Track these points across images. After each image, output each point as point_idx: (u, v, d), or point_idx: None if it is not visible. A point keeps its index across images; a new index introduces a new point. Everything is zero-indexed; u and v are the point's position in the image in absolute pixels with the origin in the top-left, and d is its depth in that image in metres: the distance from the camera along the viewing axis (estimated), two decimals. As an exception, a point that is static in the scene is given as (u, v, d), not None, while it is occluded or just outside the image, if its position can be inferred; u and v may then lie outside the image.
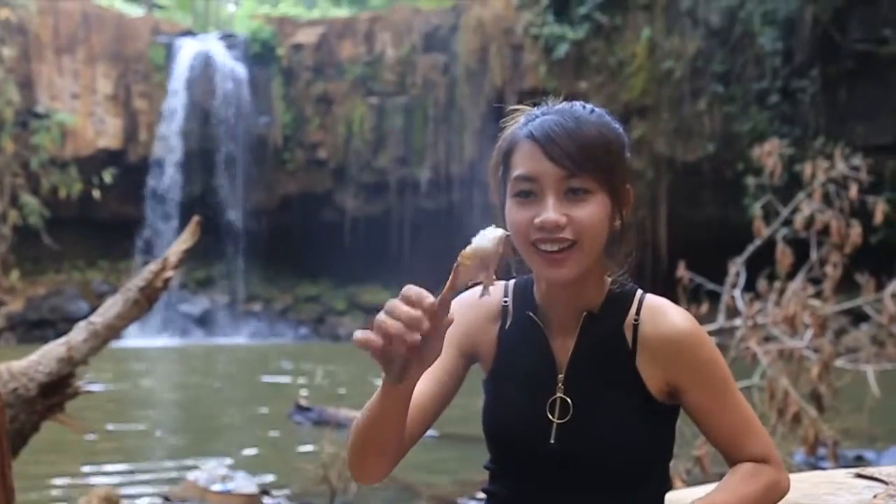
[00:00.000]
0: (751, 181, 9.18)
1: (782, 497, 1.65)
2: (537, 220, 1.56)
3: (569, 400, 1.63)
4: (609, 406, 1.61)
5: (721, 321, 6.51)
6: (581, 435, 1.61)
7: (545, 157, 1.57)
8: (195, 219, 4.15)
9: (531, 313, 1.67)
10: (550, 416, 1.63)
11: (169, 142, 23.27)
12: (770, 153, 7.17)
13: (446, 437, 7.44)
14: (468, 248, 1.40)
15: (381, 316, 1.34)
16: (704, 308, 6.47)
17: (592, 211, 1.57)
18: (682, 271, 6.56)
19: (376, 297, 23.69)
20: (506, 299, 1.73)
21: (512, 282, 1.74)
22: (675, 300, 6.73)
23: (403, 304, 1.33)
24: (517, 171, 1.60)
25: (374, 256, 23.38)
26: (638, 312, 1.64)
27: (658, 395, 1.62)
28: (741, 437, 1.64)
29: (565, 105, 1.65)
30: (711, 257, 9.41)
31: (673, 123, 20.52)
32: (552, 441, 1.62)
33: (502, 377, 1.69)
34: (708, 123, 20.15)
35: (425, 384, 1.66)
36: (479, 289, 1.73)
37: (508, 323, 1.70)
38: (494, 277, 1.42)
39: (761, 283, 6.54)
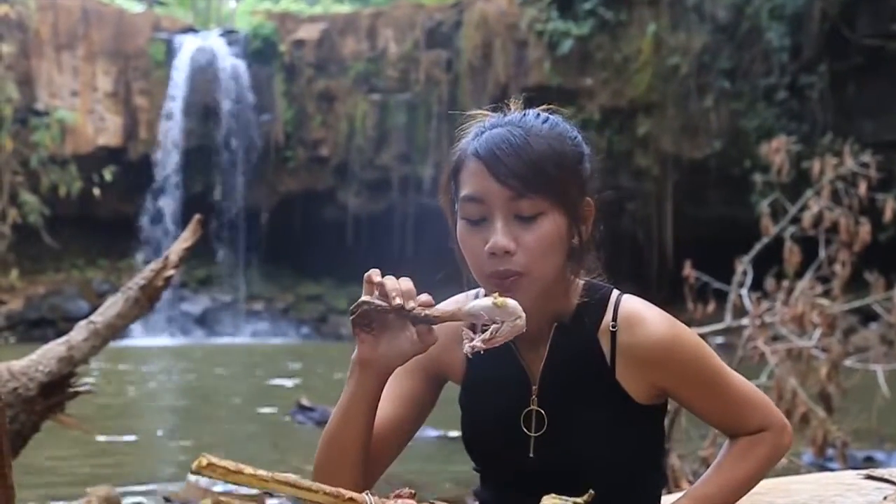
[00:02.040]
0: (758, 178, 9.18)
1: (783, 455, 1.67)
2: (487, 246, 1.52)
3: (543, 412, 1.62)
4: (586, 417, 1.60)
5: (728, 320, 6.50)
6: (558, 447, 1.60)
7: (491, 176, 1.52)
8: (196, 217, 4.15)
9: None
10: (526, 430, 1.62)
11: (169, 139, 23.29)
12: (778, 150, 7.16)
13: (449, 438, 7.44)
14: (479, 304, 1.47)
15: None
16: (711, 307, 6.46)
17: (543, 234, 1.53)
18: (688, 270, 6.54)
19: (379, 296, 23.72)
20: None
21: (482, 291, 1.71)
22: (682, 299, 6.65)
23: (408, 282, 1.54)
24: (464, 192, 1.56)
25: (377, 255, 23.30)
26: (614, 318, 1.61)
27: (643, 400, 1.61)
28: (737, 416, 1.64)
29: (516, 115, 1.59)
30: (718, 256, 9.38)
31: (679, 120, 20.50)
32: (531, 454, 1.62)
33: (475, 392, 1.69)
34: (715, 120, 20.13)
35: (386, 410, 1.67)
36: (448, 303, 1.72)
37: None
38: (475, 342, 1.48)
39: (769, 282, 6.53)
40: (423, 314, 1.49)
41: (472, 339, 1.48)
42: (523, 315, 1.47)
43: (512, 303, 1.47)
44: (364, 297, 1.51)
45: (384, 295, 1.51)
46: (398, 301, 1.50)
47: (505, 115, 1.61)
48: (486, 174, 1.53)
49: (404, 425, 1.72)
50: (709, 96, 20.06)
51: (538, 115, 1.60)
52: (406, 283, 1.52)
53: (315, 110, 23.90)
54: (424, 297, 1.52)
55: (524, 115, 1.59)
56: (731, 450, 1.66)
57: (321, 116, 23.88)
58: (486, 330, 1.48)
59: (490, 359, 1.66)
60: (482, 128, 1.60)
